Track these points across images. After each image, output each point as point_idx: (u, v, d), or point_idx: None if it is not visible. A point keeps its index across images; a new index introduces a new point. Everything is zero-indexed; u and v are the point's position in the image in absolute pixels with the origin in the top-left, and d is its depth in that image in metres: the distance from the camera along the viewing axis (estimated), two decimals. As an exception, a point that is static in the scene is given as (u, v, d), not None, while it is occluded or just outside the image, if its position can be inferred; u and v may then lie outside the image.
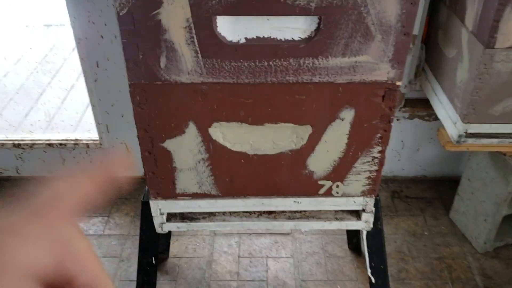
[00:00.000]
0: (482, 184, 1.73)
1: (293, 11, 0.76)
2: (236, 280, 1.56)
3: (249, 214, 1.03)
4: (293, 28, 0.80)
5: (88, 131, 1.92)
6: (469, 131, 1.46)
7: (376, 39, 0.79)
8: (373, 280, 1.13)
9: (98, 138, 1.72)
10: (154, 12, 0.76)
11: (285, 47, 0.80)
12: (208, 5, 0.75)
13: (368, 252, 1.08)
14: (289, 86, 0.84)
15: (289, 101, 0.86)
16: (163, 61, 0.81)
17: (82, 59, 1.50)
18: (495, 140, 1.56)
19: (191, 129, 0.89)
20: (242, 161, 0.94)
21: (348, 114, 0.88)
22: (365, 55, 0.81)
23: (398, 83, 0.84)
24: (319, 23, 0.78)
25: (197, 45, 0.79)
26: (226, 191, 0.98)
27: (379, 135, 0.90)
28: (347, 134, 0.90)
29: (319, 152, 0.93)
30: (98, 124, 1.67)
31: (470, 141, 1.52)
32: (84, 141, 1.75)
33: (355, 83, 0.84)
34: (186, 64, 0.81)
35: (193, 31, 0.78)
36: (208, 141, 0.91)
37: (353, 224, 1.03)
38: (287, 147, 0.92)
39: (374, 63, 0.82)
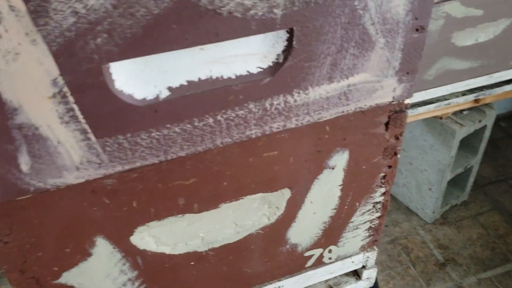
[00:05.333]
0: (420, 152, 1.57)
1: (246, 29, 0.42)
2: None
3: (213, 322, 0.70)
4: (247, 55, 0.46)
5: None
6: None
7: (377, 45, 0.49)
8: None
9: None
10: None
11: (239, 88, 0.47)
12: (91, 47, 0.38)
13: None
14: (252, 143, 0.52)
15: (253, 165, 0.54)
16: (25, 161, 0.43)
17: None
18: (431, 106, 1.41)
19: (102, 247, 0.53)
20: (192, 263, 0.60)
21: (339, 160, 0.58)
22: (362, 73, 0.51)
23: (407, 101, 0.56)
24: (289, 39, 0.46)
25: (83, 121, 0.42)
26: (175, 306, 0.64)
27: (382, 174, 0.62)
28: (339, 185, 0.61)
29: (303, 219, 0.62)
30: None
31: (408, 113, 1.38)
32: None
33: (348, 115, 0.54)
34: (69, 155, 0.44)
35: (70, 98, 0.41)
36: (132, 254, 0.55)
37: None
38: (257, 225, 0.60)
39: (374, 81, 0.52)
